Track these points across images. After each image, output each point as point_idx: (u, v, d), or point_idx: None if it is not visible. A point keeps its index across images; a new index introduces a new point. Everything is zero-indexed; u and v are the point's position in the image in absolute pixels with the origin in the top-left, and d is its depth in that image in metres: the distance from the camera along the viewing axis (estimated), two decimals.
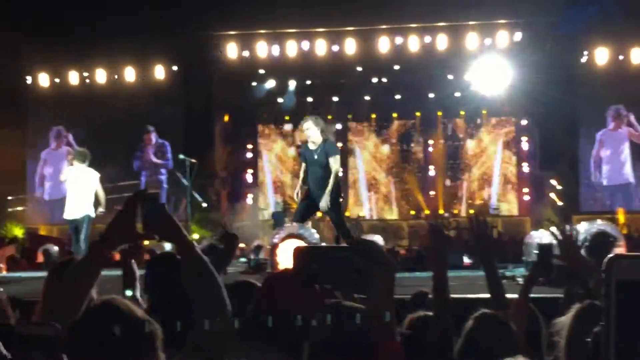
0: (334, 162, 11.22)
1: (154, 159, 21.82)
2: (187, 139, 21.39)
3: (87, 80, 22.17)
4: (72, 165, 14.06)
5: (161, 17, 19.68)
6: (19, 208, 21.89)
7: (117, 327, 2.32)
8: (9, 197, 21.64)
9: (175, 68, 21.96)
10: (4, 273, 14.26)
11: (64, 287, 2.64)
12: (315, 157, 11.40)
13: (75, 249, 13.28)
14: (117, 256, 4.36)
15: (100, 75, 22.12)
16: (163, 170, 21.64)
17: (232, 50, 21.66)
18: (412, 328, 4.25)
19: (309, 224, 12.84)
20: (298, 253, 2.72)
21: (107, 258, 2.64)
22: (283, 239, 10.48)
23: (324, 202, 11.26)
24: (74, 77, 22.22)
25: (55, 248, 16.09)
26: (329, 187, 11.22)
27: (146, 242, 9.97)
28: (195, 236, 17.51)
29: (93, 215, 13.66)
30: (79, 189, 13.61)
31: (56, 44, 20.66)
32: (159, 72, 22.01)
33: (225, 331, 2.66)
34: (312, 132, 11.35)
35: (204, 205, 18.57)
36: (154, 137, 21.94)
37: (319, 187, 11.38)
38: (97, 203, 13.78)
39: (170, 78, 22.05)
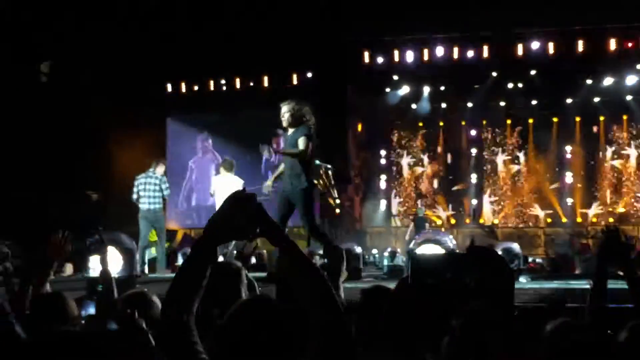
0: (301, 143, 9.92)
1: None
2: (321, 145, 21.52)
3: (224, 88, 22.61)
4: (219, 174, 14.38)
5: (297, 24, 19.90)
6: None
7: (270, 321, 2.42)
8: None
9: (309, 75, 22.13)
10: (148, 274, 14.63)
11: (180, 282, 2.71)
12: (287, 141, 10.40)
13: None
14: None
15: (236, 82, 22.51)
16: None
17: (366, 57, 21.66)
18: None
19: None
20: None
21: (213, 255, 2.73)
22: (420, 244, 10.40)
23: (267, 185, 10.64)
24: (211, 85, 22.70)
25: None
26: (279, 171, 10.35)
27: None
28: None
29: None
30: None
31: (195, 52, 21.21)
32: (294, 78, 22.23)
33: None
34: (285, 117, 10.28)
35: (337, 210, 18.66)
36: (282, 140, 22.20)
37: (287, 176, 10.15)
38: None
39: (305, 84, 22.23)
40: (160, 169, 14.50)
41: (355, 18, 20.33)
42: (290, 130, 10.29)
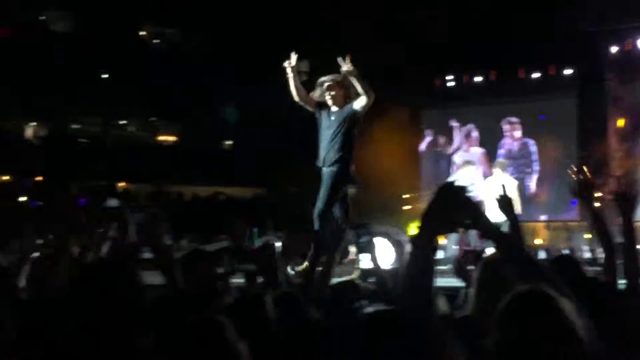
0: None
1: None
2: (580, 137, 20.91)
3: (480, 81, 22.38)
4: (492, 175, 14.39)
5: (552, 14, 19.40)
6: (409, 207, 22.70)
7: None
8: (404, 196, 22.54)
9: (567, 66, 21.44)
10: None
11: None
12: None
13: None
14: None
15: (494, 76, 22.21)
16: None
17: (628, 43, 20.65)
18: None
19: None
20: None
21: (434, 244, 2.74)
22: None
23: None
24: (469, 78, 22.55)
25: None
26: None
27: None
28: None
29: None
30: None
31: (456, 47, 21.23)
32: (550, 70, 21.60)
33: None
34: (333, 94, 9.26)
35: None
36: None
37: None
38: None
39: (561, 76, 21.59)
40: None
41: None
42: (336, 109, 9.31)
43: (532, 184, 21.84)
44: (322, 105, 8.96)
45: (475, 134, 22.72)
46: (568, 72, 21.60)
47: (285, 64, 8.63)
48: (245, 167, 27.37)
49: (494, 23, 20.15)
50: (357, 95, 8.61)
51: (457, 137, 23.04)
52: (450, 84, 23.02)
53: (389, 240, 7.91)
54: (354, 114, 8.81)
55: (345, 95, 8.86)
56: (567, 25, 20.01)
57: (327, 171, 8.80)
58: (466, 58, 21.80)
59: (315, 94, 8.89)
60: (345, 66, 8.41)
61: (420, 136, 23.66)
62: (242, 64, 37.10)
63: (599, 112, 21.38)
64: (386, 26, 21.31)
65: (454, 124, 22.88)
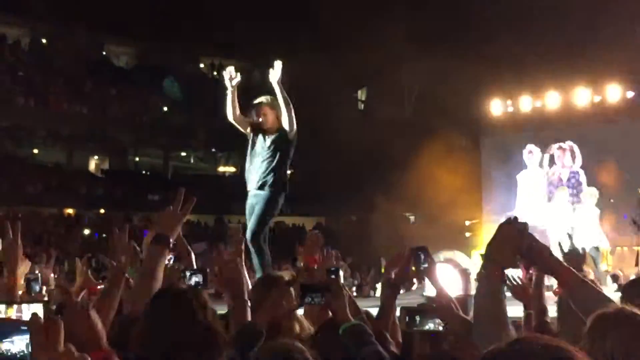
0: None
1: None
2: None
3: (538, 104, 22.11)
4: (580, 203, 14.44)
5: (614, 32, 19.16)
6: (471, 234, 22.48)
7: None
8: (467, 222, 22.36)
9: (630, 93, 20.98)
10: None
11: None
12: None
13: None
14: None
15: (551, 99, 21.87)
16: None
17: None
18: None
19: None
20: None
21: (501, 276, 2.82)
22: None
23: None
24: (525, 102, 22.25)
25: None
26: None
27: None
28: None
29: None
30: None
31: (509, 71, 21.04)
32: (612, 92, 21.19)
33: None
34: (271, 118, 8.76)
35: None
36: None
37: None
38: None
39: (625, 98, 21.17)
40: None
41: None
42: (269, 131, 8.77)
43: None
44: (256, 128, 8.78)
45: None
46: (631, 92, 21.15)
47: (226, 78, 8.44)
48: (306, 196, 27.43)
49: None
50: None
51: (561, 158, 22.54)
52: (510, 109, 22.75)
53: (454, 267, 7.79)
54: (286, 135, 8.57)
55: (278, 116, 8.66)
56: (625, 46, 19.74)
57: (259, 194, 8.58)
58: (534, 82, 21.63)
59: (251, 116, 8.73)
60: (273, 73, 8.28)
61: (478, 163, 23.40)
62: (303, 94, 37.42)
63: None
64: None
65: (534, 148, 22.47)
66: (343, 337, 3.44)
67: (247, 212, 8.56)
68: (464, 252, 21.20)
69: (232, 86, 8.18)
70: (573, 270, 2.89)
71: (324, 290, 3.57)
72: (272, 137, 8.55)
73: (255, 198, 8.51)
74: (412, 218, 23.88)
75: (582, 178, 19.98)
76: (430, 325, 3.73)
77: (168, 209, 3.52)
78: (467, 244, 21.80)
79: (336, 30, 28.45)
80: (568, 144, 20.44)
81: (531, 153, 21.17)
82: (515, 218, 2.93)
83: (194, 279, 3.99)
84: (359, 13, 28.72)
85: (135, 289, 3.62)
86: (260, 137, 8.59)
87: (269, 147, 8.53)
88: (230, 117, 8.32)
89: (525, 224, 2.89)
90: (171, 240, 3.53)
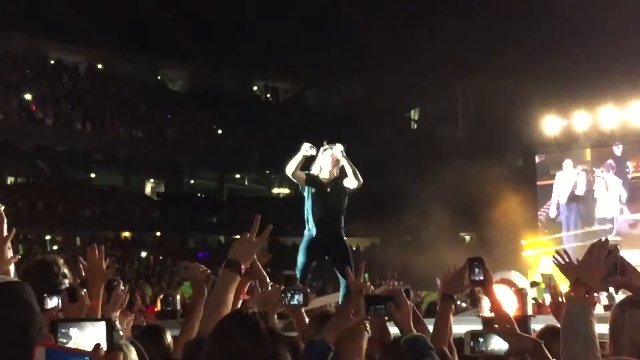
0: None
1: None
2: None
3: (592, 121, 21.77)
4: None
5: None
6: (531, 252, 22.22)
7: None
8: (523, 241, 22.11)
9: None
10: None
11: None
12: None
13: None
14: None
15: (606, 115, 21.48)
16: None
17: None
18: None
19: None
20: None
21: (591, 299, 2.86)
22: None
23: None
24: (581, 118, 21.85)
25: None
26: None
27: None
28: None
29: None
30: None
31: (564, 86, 20.84)
32: None
33: None
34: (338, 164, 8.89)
35: None
36: None
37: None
38: None
39: None
40: None
41: None
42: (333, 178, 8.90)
43: None
44: (312, 180, 9.14)
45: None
46: None
47: (303, 149, 8.81)
48: (360, 217, 27.38)
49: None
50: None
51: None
52: (559, 126, 22.38)
53: (509, 287, 7.68)
54: (347, 189, 8.88)
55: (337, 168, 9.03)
56: None
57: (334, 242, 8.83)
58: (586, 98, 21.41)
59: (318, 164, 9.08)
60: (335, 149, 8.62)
61: (534, 182, 23.10)
62: (345, 115, 37.67)
63: None
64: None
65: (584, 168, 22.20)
66: (404, 348, 3.44)
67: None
68: (521, 271, 20.99)
69: (304, 155, 8.53)
70: None
71: (388, 301, 3.58)
72: (335, 185, 8.80)
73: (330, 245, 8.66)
74: (467, 238, 23.67)
75: None
76: (495, 347, 3.68)
77: (244, 234, 3.54)
78: (524, 264, 21.56)
79: (381, 51, 28.53)
80: None
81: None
82: (606, 240, 2.92)
83: (296, 298, 4.03)
84: (404, 31, 28.79)
85: (205, 314, 3.66)
86: (319, 185, 8.79)
87: (336, 194, 8.75)
88: (289, 171, 8.59)
89: (615, 246, 2.90)
90: (243, 266, 3.55)
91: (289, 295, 4.01)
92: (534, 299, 15.21)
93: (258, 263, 3.89)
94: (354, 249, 34.72)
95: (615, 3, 21.88)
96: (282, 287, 4.18)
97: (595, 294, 2.95)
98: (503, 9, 26.46)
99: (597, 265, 2.84)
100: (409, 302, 3.64)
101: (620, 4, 21.87)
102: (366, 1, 34.26)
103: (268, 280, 4.15)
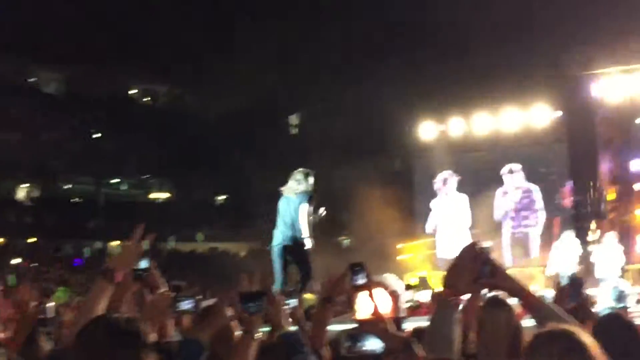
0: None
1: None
2: (572, 181, 21.07)
3: (468, 127, 22.41)
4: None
5: (541, 58, 19.69)
6: (407, 256, 22.62)
7: None
8: (399, 245, 22.51)
9: (556, 111, 21.53)
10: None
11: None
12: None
13: None
14: None
15: (480, 121, 22.17)
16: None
17: (614, 87, 20.75)
18: None
19: None
20: None
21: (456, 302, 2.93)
22: None
23: None
24: (455, 124, 22.47)
25: None
26: None
27: None
28: None
29: None
30: None
31: (439, 92, 21.35)
32: (540, 114, 21.68)
33: None
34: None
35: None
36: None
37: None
38: None
39: (552, 120, 21.68)
40: None
41: (601, 47, 19.85)
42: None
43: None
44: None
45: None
46: (556, 115, 21.61)
47: None
48: (239, 222, 27.37)
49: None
50: None
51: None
52: (434, 133, 22.87)
53: (384, 289, 7.92)
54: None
55: None
56: (552, 70, 20.31)
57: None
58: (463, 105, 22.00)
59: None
60: None
61: (411, 185, 23.50)
62: (223, 120, 37.52)
63: (589, 155, 21.49)
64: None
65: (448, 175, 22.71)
66: (277, 344, 3.54)
67: None
68: (397, 274, 21.37)
69: None
70: (532, 292, 2.98)
71: (263, 298, 3.64)
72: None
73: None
74: (345, 242, 23.98)
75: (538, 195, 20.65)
76: (369, 347, 3.78)
77: (125, 243, 3.55)
78: (401, 267, 21.97)
79: (260, 55, 28.57)
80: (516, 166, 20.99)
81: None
82: (474, 243, 2.97)
83: (186, 306, 4.09)
84: (284, 35, 28.95)
85: (75, 321, 3.64)
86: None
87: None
88: None
89: (486, 248, 2.96)
90: (119, 274, 3.54)
91: (180, 302, 4.06)
92: (410, 301, 15.62)
93: (155, 271, 3.91)
94: (230, 254, 34.67)
95: (487, 12, 22.59)
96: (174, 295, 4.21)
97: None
98: (380, 16, 27.01)
99: (464, 268, 2.88)
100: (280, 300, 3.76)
101: (492, 13, 22.59)
102: (246, 3, 34.26)
103: (163, 289, 4.18)
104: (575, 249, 17.38)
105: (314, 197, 11.31)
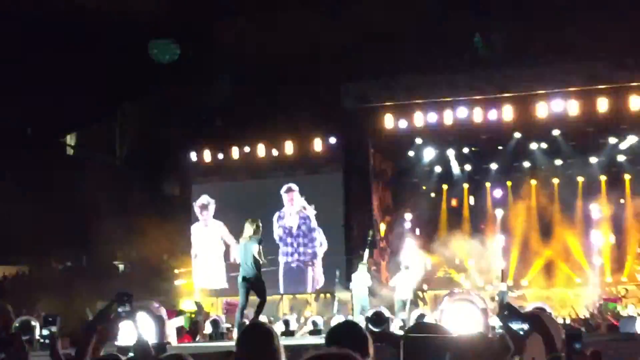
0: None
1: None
2: (346, 210, 21.70)
3: (247, 155, 22.63)
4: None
5: (319, 90, 20.23)
6: (184, 281, 22.50)
7: None
8: (176, 271, 22.35)
9: (332, 140, 22.20)
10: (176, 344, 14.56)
11: None
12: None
13: None
14: None
15: (260, 150, 22.50)
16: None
17: (388, 121, 21.67)
18: None
19: None
20: None
21: None
22: (455, 301, 9.67)
23: None
24: (235, 152, 22.68)
25: (223, 318, 16.44)
26: None
27: None
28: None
29: None
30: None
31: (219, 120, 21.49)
32: (317, 144, 22.28)
33: None
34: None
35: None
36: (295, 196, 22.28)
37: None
38: None
39: (328, 150, 22.30)
40: None
41: (377, 82, 20.70)
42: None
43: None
44: None
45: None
46: (332, 144, 22.19)
47: None
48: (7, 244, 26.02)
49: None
50: None
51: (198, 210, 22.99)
52: (208, 159, 22.91)
53: (149, 314, 7.90)
54: None
55: None
56: (332, 102, 20.95)
57: None
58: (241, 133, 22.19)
59: None
60: None
61: (189, 210, 23.35)
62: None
63: (363, 184, 22.24)
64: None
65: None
66: None
67: None
68: (174, 300, 21.19)
69: None
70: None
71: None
72: None
73: None
74: (121, 267, 23.41)
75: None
76: None
77: None
78: (177, 292, 21.80)
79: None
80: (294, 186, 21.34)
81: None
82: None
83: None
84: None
85: None
86: None
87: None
88: None
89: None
90: None
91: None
92: (181, 327, 15.48)
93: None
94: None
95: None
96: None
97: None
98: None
99: None
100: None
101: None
102: None
103: None
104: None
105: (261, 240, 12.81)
